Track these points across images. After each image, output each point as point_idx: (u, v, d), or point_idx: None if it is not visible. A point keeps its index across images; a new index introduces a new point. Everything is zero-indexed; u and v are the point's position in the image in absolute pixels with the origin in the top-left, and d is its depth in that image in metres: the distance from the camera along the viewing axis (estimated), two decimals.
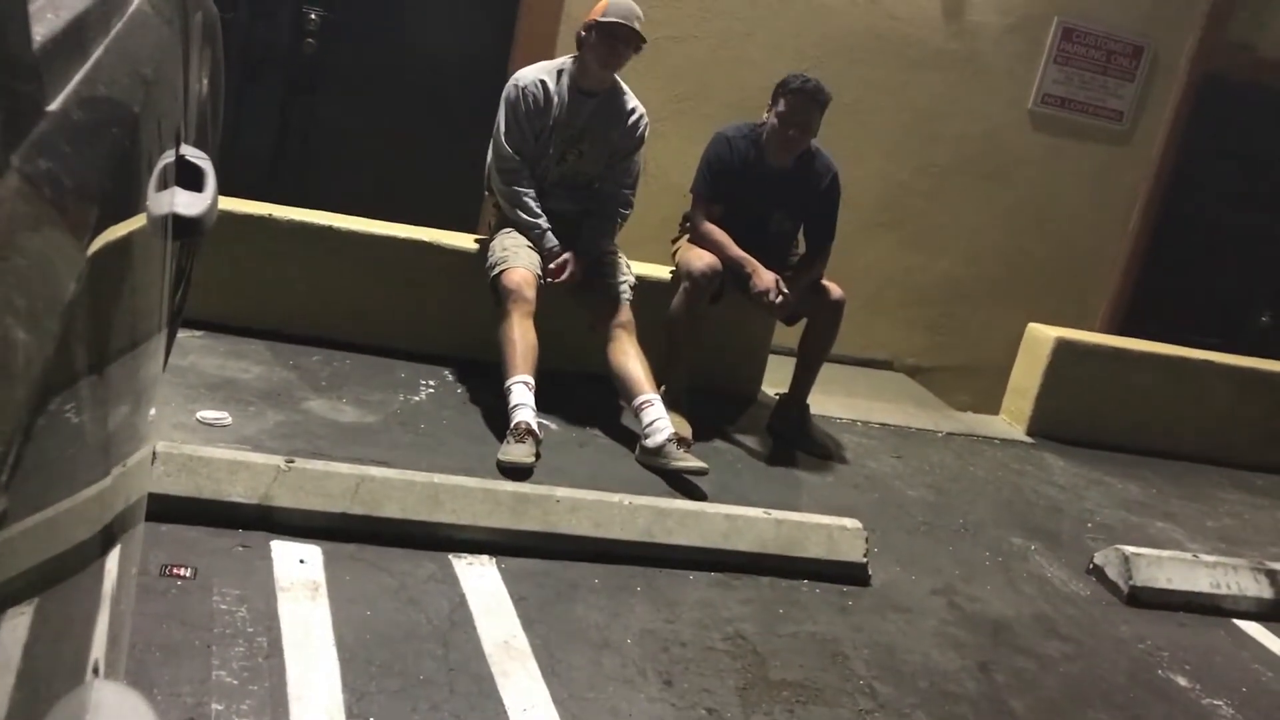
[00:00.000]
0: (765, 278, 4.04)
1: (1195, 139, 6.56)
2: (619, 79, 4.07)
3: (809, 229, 4.37)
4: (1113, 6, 6.17)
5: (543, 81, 3.95)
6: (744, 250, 4.12)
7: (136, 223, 1.00)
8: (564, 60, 4.04)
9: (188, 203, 1.35)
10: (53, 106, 0.76)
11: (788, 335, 4.55)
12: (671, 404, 3.98)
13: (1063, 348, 5.15)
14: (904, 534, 3.80)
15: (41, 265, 0.66)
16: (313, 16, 5.27)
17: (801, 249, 4.43)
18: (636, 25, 3.85)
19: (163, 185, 1.25)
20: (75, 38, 0.88)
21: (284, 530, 2.88)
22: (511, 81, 3.99)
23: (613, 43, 3.86)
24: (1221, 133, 6.61)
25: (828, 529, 3.45)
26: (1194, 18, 6.32)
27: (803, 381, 4.38)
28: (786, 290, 4.04)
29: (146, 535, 2.24)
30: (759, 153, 4.19)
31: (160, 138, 1.23)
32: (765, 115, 4.18)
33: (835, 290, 4.24)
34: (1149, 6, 6.23)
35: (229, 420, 3.38)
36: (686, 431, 3.93)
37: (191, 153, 1.55)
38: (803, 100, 4.07)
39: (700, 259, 4.09)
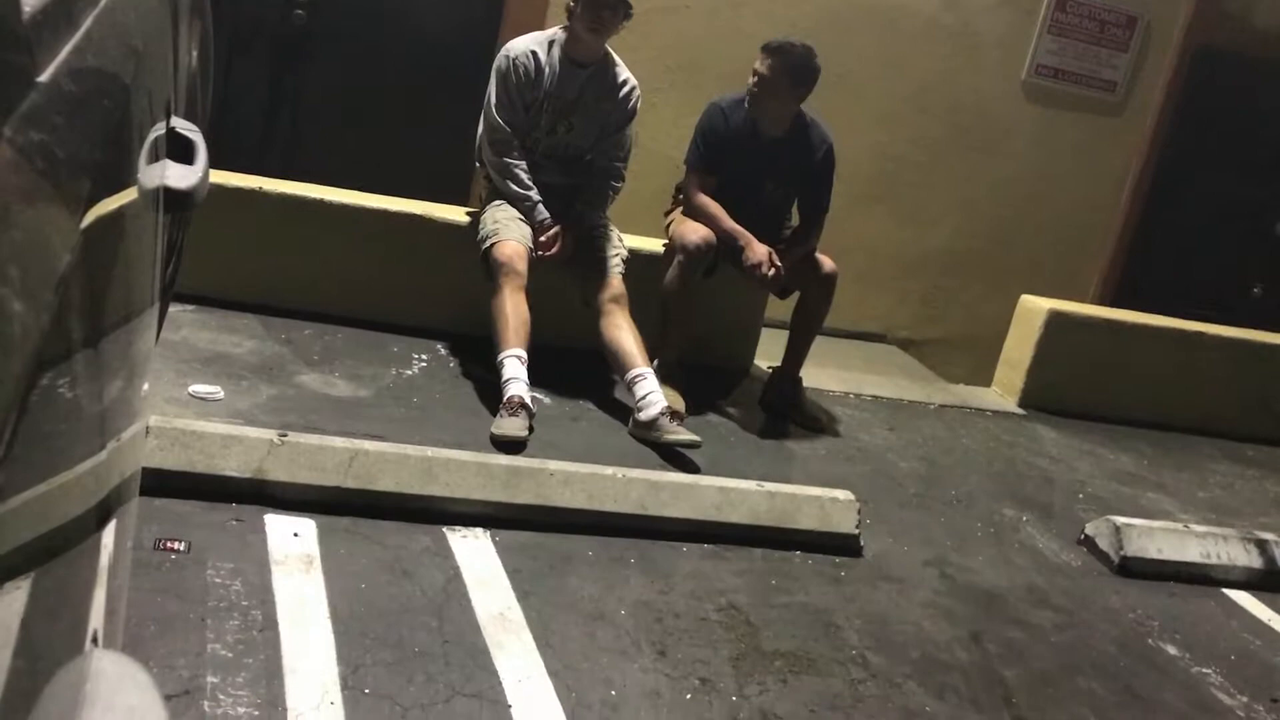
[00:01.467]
0: (758, 251, 4.04)
1: (1188, 110, 6.55)
2: (611, 51, 4.05)
3: (803, 201, 4.37)
4: None
5: (534, 52, 3.93)
6: (737, 221, 4.12)
7: (128, 195, 1.00)
8: (555, 31, 4.02)
9: (179, 176, 1.34)
10: (43, 77, 0.76)
11: (781, 308, 4.55)
12: (665, 377, 3.98)
13: (1055, 319, 5.16)
14: (896, 505, 3.82)
15: (35, 238, 0.66)
16: None
17: (795, 222, 4.42)
18: None
19: (154, 158, 1.24)
20: (65, 8, 0.88)
21: (278, 504, 2.88)
22: (502, 52, 3.96)
23: (598, 9, 3.84)
24: (1214, 104, 6.60)
25: (820, 501, 3.46)
26: None
27: (795, 355, 4.38)
28: (779, 263, 4.04)
29: (140, 509, 2.25)
30: (752, 122, 4.18)
31: (151, 110, 1.22)
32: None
33: (828, 263, 4.24)
34: None
35: (221, 394, 3.38)
36: (680, 405, 3.94)
37: (182, 125, 1.54)
38: (760, 50, 4.08)
39: (694, 232, 4.08)
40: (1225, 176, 6.86)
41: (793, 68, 4.05)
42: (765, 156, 4.22)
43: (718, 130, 4.19)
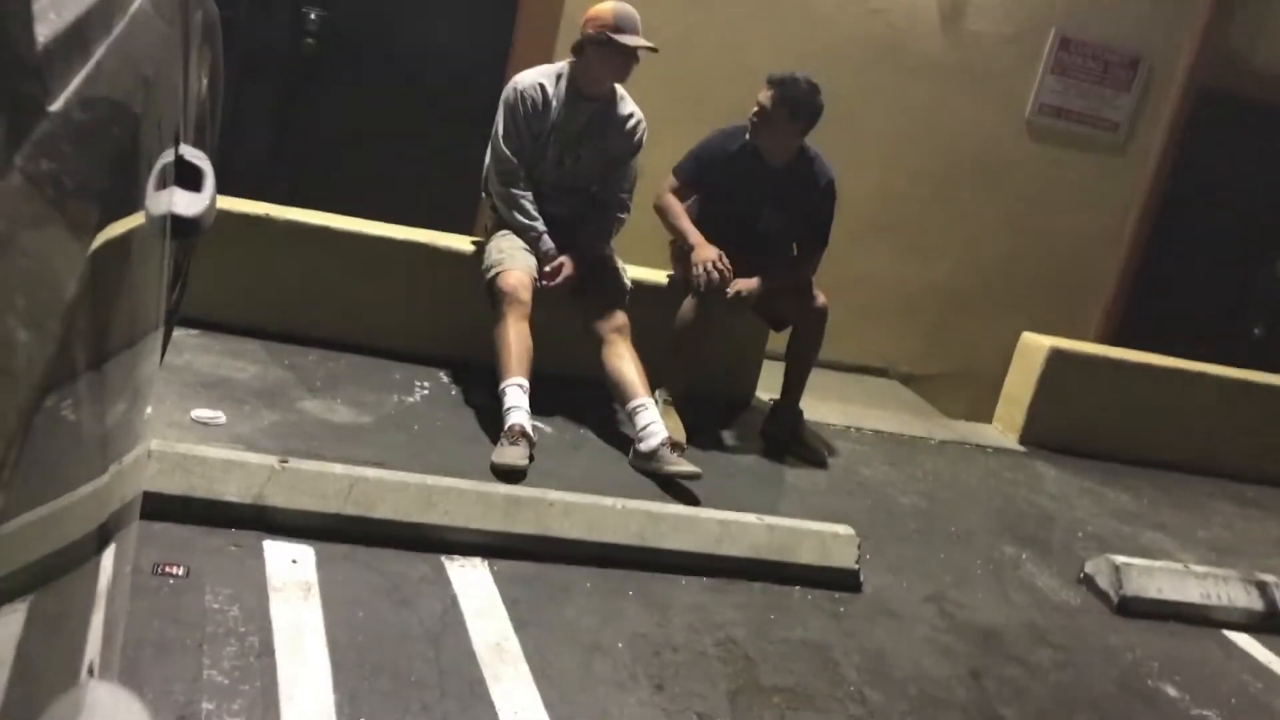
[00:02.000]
0: (707, 252, 4.04)
1: (1190, 149, 6.58)
2: (617, 85, 4.08)
3: (803, 232, 4.39)
4: (1110, 17, 6.20)
5: (541, 85, 3.96)
6: (735, 249, 4.12)
7: (136, 222, 1.01)
8: (563, 65, 4.05)
9: (186, 203, 1.35)
10: (55, 107, 0.77)
11: (782, 341, 4.54)
12: (668, 407, 4.00)
13: (1056, 357, 5.16)
14: (896, 541, 3.81)
15: (43, 264, 0.66)
16: (312, 16, 5.27)
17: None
18: (647, 42, 3.90)
19: (161, 185, 1.25)
20: (77, 38, 0.89)
21: (277, 530, 2.88)
22: (510, 84, 4.00)
23: (628, 60, 3.90)
24: (1216, 144, 6.63)
25: (820, 535, 3.45)
26: (1190, 29, 6.34)
27: (793, 387, 4.39)
28: (727, 267, 4.01)
29: (140, 533, 2.25)
30: (755, 150, 4.22)
31: (160, 138, 1.23)
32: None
33: (820, 297, 4.25)
34: (1146, 17, 6.25)
35: (223, 419, 3.38)
36: (681, 436, 3.94)
37: (190, 153, 1.55)
38: (765, 82, 4.12)
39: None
40: (1227, 216, 6.88)
41: (792, 101, 4.07)
42: (765, 185, 4.25)
43: (712, 151, 4.25)
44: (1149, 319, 6.77)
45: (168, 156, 1.34)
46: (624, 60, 3.91)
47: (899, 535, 3.86)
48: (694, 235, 4.13)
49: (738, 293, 4.07)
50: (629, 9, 3.91)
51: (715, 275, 4.00)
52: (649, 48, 3.89)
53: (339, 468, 3.07)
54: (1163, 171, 6.57)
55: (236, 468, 2.94)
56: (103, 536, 0.96)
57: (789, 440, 4.36)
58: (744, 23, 5.59)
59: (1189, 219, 6.75)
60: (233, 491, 2.89)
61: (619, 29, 3.85)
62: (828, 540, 3.45)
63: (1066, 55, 6.18)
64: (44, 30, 0.78)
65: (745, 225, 4.27)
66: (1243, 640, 3.72)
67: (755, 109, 4.15)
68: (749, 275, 4.12)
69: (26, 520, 0.65)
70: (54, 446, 0.72)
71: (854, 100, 5.86)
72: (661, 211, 4.24)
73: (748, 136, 4.20)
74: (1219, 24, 6.37)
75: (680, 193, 4.26)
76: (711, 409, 4.44)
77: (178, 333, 3.75)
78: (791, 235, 4.42)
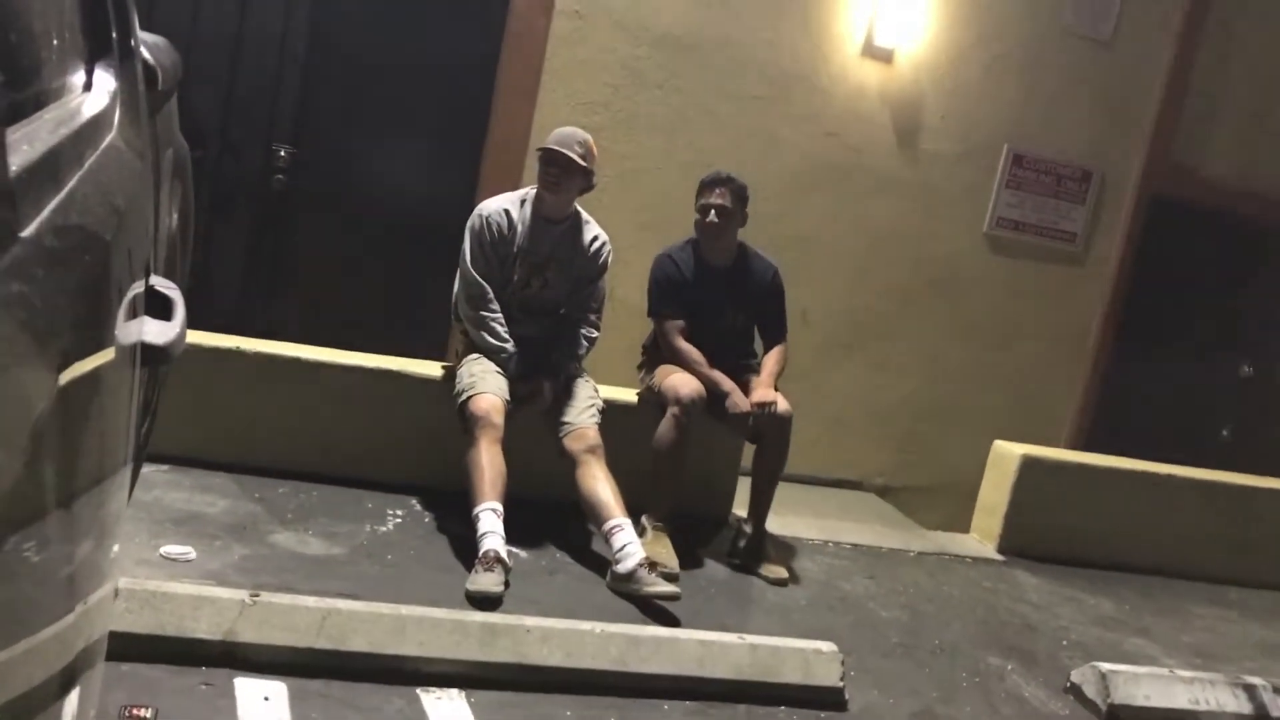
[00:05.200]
0: (743, 401, 4.10)
1: (1147, 257, 6.73)
2: (580, 208, 4.17)
3: (763, 326, 4.50)
4: (1060, 133, 6.40)
5: (506, 210, 4.04)
6: (704, 349, 4.22)
7: (105, 348, 1.01)
8: (527, 190, 4.14)
9: (156, 331, 1.35)
10: (26, 232, 0.77)
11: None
12: (657, 533, 3.97)
13: (1029, 464, 5.18)
14: (880, 656, 3.76)
15: (11, 383, 0.66)
16: (282, 154, 5.35)
17: (758, 347, 4.54)
18: (572, 151, 3.96)
19: (132, 314, 1.25)
20: (49, 168, 0.90)
21: (248, 667, 2.81)
22: (476, 211, 4.08)
23: (545, 166, 4.01)
24: (1171, 251, 6.79)
25: (803, 653, 3.40)
26: (1138, 142, 6.55)
27: (759, 506, 4.31)
28: (768, 400, 4.13)
29: (106, 675, 2.19)
30: (699, 256, 4.35)
31: (130, 267, 1.24)
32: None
33: (783, 404, 4.23)
34: (1095, 132, 6.46)
35: (193, 555, 3.33)
36: (674, 563, 3.90)
37: (161, 283, 1.56)
38: (707, 186, 4.31)
39: (686, 384, 4.11)
40: (1188, 320, 7.01)
41: (742, 190, 4.30)
42: (717, 283, 4.36)
43: (672, 277, 4.33)
44: (1119, 424, 6.83)
45: (138, 286, 1.34)
46: (541, 166, 4.02)
47: (882, 650, 3.81)
48: (726, 382, 4.19)
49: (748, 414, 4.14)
50: (565, 129, 4.08)
51: (772, 408, 4.13)
52: (559, 151, 3.96)
53: (311, 600, 3.02)
54: (1122, 279, 6.71)
55: (206, 604, 2.88)
56: (67, 680, 0.94)
57: (752, 563, 4.25)
58: (705, 150, 5.72)
59: (1151, 324, 6.87)
60: (203, 628, 2.83)
61: (545, 142, 4.02)
62: (810, 658, 3.39)
63: (1020, 171, 6.36)
64: (16, 160, 0.80)
65: (712, 328, 4.35)
66: None
67: (710, 213, 4.26)
68: (724, 373, 4.22)
69: None
70: (16, 586, 0.70)
71: (816, 220, 6.00)
72: (679, 359, 4.28)
73: (701, 243, 4.34)
74: (1165, 136, 6.58)
75: (680, 329, 4.31)
76: (688, 526, 4.41)
77: (147, 468, 3.71)
78: (752, 327, 4.55)
